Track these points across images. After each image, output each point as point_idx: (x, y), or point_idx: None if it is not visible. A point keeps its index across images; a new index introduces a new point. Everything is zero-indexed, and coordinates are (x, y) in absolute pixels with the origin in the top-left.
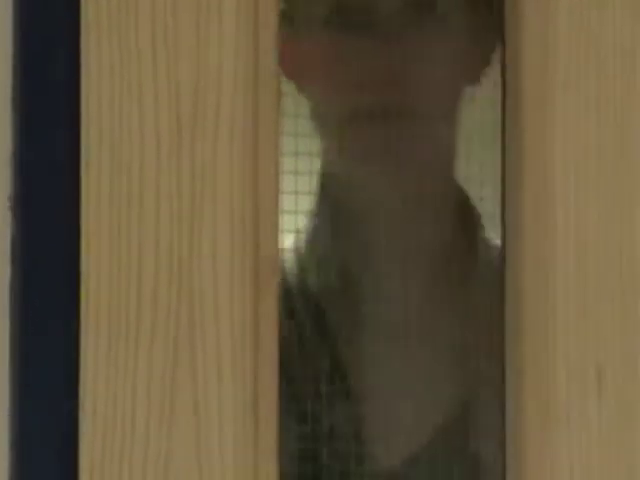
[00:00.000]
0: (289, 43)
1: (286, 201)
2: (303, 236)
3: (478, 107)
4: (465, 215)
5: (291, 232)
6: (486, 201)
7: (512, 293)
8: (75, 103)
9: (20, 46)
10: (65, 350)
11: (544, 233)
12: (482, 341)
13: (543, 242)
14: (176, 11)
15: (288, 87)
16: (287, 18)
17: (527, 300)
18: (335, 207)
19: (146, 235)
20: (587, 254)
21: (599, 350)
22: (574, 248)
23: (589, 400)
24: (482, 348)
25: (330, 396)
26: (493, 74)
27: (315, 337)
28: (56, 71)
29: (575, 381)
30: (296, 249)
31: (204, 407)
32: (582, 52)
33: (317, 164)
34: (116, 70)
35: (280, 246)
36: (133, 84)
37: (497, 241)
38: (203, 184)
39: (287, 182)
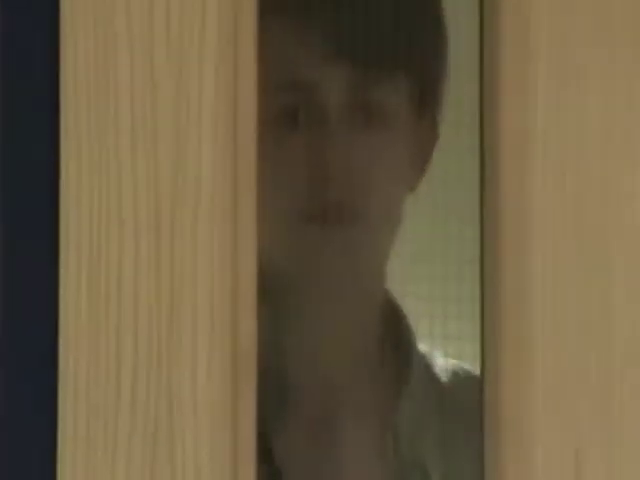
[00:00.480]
0: None
1: None
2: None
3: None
4: (390, 315)
5: None
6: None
7: (490, 379)
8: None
9: None
10: (41, 451)
11: (521, 314)
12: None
13: (520, 323)
14: (156, 93)
15: None
16: None
17: (505, 388)
18: (265, 298)
19: (125, 330)
20: (566, 336)
21: (578, 436)
22: (552, 330)
23: None
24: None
25: None
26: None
27: None
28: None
29: (554, 466)
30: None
31: None
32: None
33: None
34: (95, 170)
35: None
36: (111, 171)
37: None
38: (182, 281)
39: None
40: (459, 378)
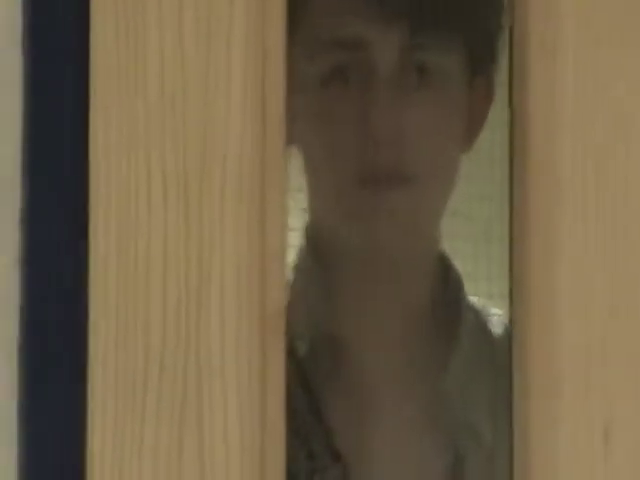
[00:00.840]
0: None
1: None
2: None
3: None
4: (445, 276)
5: None
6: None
7: (518, 354)
8: (83, 170)
9: None
10: (71, 423)
11: (550, 291)
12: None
13: (549, 300)
14: (184, 71)
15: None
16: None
17: (533, 357)
18: (319, 263)
19: (154, 297)
20: (595, 309)
21: (607, 409)
22: (580, 303)
23: (596, 461)
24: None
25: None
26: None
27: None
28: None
29: (582, 441)
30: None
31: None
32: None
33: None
34: (123, 134)
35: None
36: (140, 146)
37: (477, 302)
38: (211, 245)
39: (294, 238)
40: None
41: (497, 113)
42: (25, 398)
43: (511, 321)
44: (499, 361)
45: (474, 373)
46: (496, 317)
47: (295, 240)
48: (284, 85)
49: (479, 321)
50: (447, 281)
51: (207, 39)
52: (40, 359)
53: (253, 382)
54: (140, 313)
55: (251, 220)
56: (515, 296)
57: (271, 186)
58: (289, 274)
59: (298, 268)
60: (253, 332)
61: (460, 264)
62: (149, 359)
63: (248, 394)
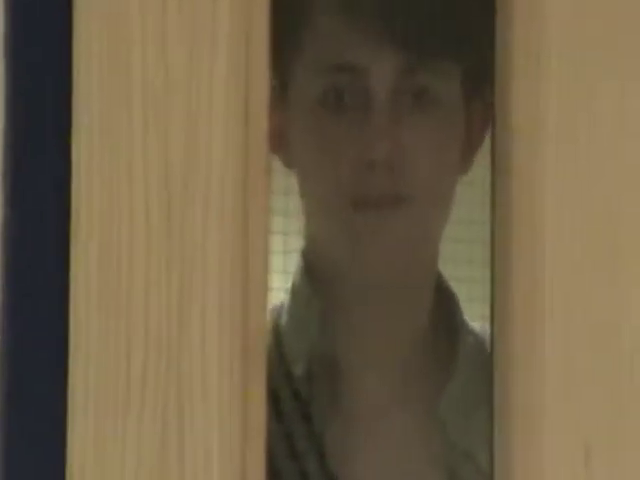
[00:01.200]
0: (277, 119)
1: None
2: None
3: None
4: (442, 298)
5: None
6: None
7: (500, 374)
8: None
9: None
10: (53, 431)
11: (532, 314)
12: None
13: (531, 323)
14: (168, 92)
15: (277, 164)
16: (278, 96)
17: (515, 379)
18: (316, 285)
19: (135, 317)
20: (576, 333)
21: (588, 432)
22: (562, 328)
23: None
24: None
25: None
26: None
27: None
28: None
29: (563, 463)
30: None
31: None
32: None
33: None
34: (105, 152)
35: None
36: (122, 166)
37: (473, 323)
38: (192, 266)
39: (276, 261)
40: None
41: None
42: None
43: (492, 342)
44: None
45: (472, 397)
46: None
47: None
48: (267, 107)
49: (478, 344)
50: (444, 304)
51: (190, 62)
52: (20, 375)
53: (234, 402)
54: (122, 336)
55: (234, 243)
56: (497, 318)
57: (254, 208)
58: (286, 296)
59: (295, 290)
60: (235, 352)
61: (457, 286)
62: (130, 382)
63: (229, 415)
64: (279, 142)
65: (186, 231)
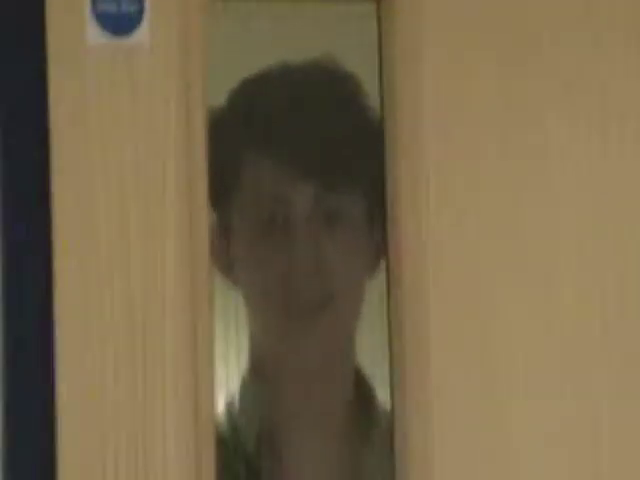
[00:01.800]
0: (222, 244)
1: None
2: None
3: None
4: (359, 385)
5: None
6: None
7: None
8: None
9: None
10: None
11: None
12: None
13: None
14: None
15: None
16: (221, 226)
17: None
18: (261, 376)
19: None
20: (463, 409)
21: None
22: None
23: None
24: None
25: None
26: None
27: None
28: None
29: None
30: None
31: None
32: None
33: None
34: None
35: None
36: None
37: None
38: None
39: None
40: None
41: None
42: None
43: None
44: None
45: (387, 474)
46: None
47: None
48: (207, 232)
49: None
50: (359, 390)
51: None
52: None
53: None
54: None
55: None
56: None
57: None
58: (238, 386)
59: (244, 382)
60: (189, 438)
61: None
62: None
63: None
64: (227, 266)
65: (147, 344)
